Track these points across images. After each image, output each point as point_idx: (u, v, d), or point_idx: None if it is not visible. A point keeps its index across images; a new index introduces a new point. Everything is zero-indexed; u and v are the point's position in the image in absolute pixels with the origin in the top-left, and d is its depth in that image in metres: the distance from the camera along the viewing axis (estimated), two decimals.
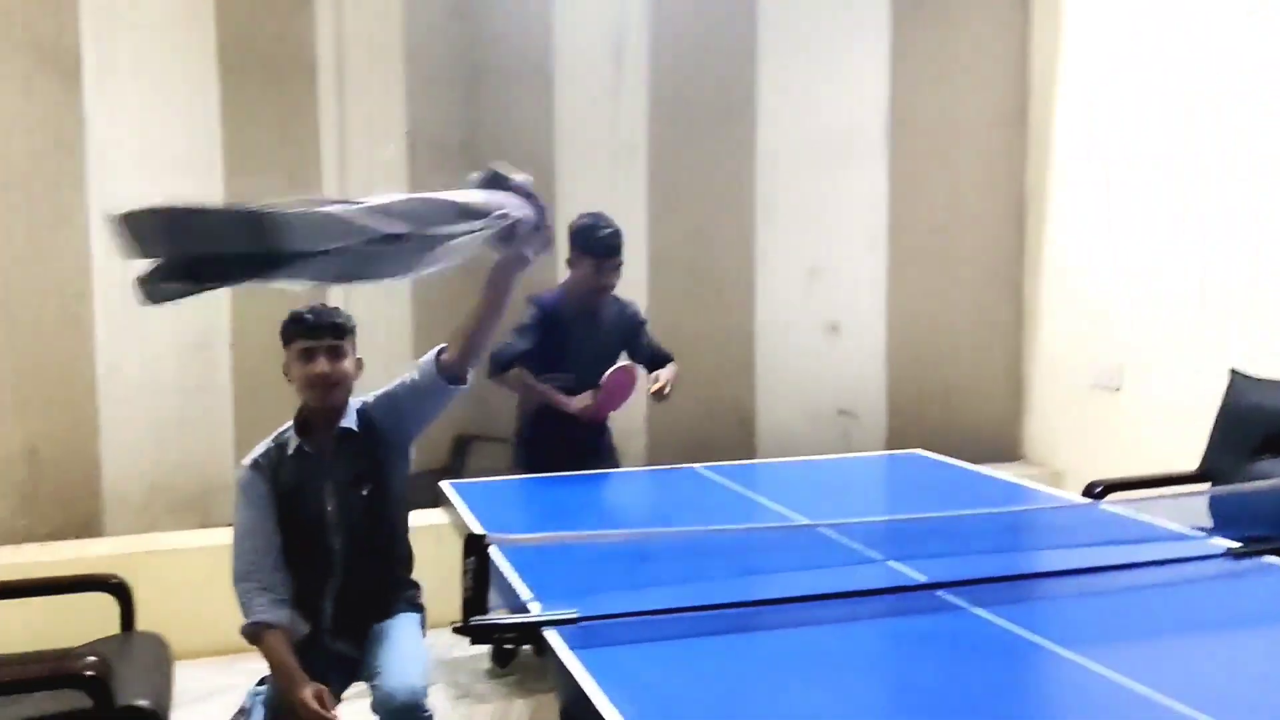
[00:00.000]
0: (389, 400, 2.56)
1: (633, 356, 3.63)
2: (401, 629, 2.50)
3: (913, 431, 5.19)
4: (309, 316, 2.52)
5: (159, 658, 2.71)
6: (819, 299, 5.37)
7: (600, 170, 5.68)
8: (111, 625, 2.84)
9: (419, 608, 2.62)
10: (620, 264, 3.46)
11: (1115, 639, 1.87)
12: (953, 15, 5.00)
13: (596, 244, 3.40)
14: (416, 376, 2.51)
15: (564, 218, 5.76)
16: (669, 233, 5.63)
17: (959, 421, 5.19)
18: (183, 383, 4.48)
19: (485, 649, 3.71)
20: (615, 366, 3.41)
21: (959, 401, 5.20)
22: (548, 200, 6.31)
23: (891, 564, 2.23)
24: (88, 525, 4.20)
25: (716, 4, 5.45)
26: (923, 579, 2.12)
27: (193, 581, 3.70)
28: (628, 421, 5.75)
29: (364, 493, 2.51)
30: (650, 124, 5.62)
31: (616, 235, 3.43)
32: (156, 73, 4.38)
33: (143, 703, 2.36)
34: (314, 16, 5.00)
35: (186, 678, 3.43)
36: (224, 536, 2.60)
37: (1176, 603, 2.08)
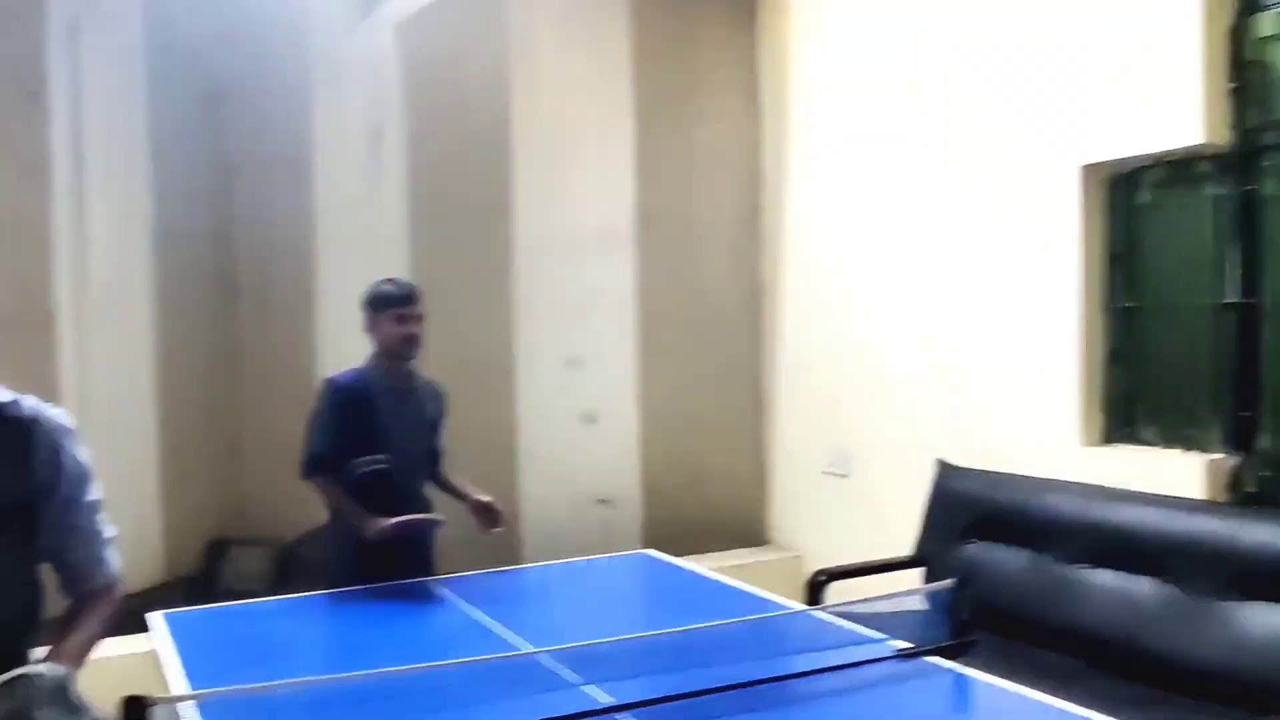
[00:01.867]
0: None
1: (429, 438, 3.55)
2: None
3: (668, 519, 5.36)
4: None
5: None
6: (577, 389, 5.51)
7: (362, 263, 5.68)
8: None
9: None
10: (420, 314, 3.39)
11: None
12: (692, 117, 5.26)
13: (388, 293, 3.36)
14: None
15: (326, 313, 5.78)
16: (431, 324, 5.67)
17: (710, 508, 5.39)
18: None
19: None
20: (422, 518, 3.26)
21: (710, 489, 5.40)
22: (307, 295, 6.17)
23: (586, 689, 2.31)
24: None
25: (471, 101, 5.59)
26: (612, 701, 2.21)
27: None
28: None
29: None
30: (411, 217, 5.67)
31: (409, 284, 3.43)
32: None
33: None
34: (48, 107, 4.84)
35: None
36: None
37: (842, 712, 2.24)
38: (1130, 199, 3.64)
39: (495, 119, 5.52)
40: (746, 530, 5.37)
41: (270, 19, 5.60)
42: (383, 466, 3.32)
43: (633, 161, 5.32)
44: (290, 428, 5.59)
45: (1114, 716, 2.08)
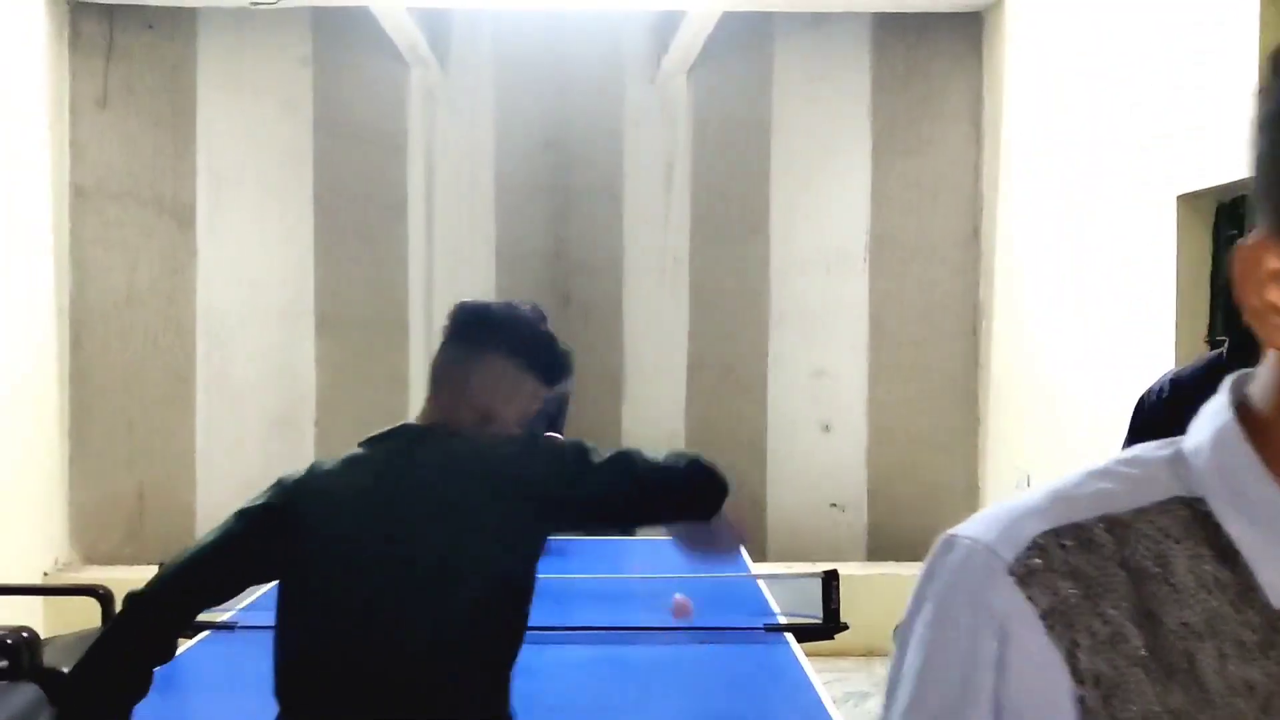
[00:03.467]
0: None
1: None
2: None
3: (890, 526, 5.59)
4: None
5: None
6: (815, 400, 5.90)
7: (653, 279, 6.53)
8: None
9: None
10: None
11: None
12: (920, 143, 5.49)
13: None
14: None
15: (629, 319, 6.70)
16: (704, 335, 6.37)
17: (927, 521, 5.51)
18: (268, 451, 5.76)
19: None
20: None
21: (925, 502, 5.53)
22: (616, 304, 7.08)
23: None
24: None
25: (740, 135, 6.21)
26: None
27: None
28: None
29: None
30: (692, 239, 6.41)
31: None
32: (256, 211, 5.75)
33: (63, 668, 3.45)
34: (406, 160, 6.25)
35: None
36: None
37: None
38: None
39: (758, 150, 6.09)
40: None
41: (592, 74, 6.64)
42: None
43: (868, 187, 5.63)
44: (603, 412, 6.61)
45: None
